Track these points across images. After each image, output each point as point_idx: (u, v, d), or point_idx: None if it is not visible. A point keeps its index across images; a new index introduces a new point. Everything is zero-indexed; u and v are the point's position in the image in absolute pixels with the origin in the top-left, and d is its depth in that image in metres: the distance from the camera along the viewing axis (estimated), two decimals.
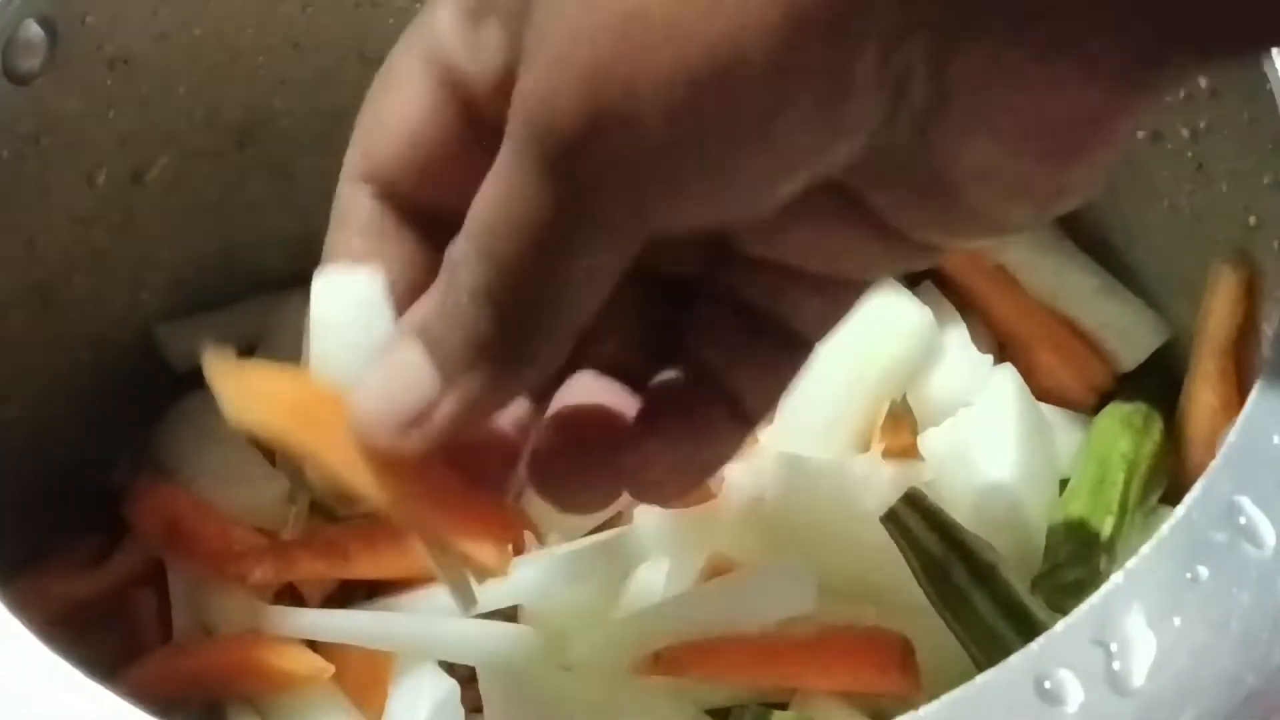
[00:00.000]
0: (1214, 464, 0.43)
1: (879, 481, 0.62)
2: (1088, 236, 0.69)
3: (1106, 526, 0.60)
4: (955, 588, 0.58)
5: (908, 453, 0.63)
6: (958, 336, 0.67)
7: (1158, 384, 0.66)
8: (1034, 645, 0.40)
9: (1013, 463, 0.62)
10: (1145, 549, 0.41)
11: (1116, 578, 0.41)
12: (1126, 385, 0.68)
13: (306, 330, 0.45)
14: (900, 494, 0.59)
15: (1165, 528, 0.42)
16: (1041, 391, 0.67)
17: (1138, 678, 0.39)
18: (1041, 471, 0.63)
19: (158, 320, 0.71)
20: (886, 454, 0.63)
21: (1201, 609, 0.40)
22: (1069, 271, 0.69)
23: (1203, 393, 0.60)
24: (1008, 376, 0.65)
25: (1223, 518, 0.42)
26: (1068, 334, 0.69)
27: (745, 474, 0.63)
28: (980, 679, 0.40)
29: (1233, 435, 0.43)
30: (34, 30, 0.59)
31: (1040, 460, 0.63)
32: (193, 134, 0.67)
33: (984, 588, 0.57)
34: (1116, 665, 0.40)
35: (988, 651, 0.57)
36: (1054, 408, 0.67)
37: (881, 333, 0.65)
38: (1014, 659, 0.40)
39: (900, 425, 0.64)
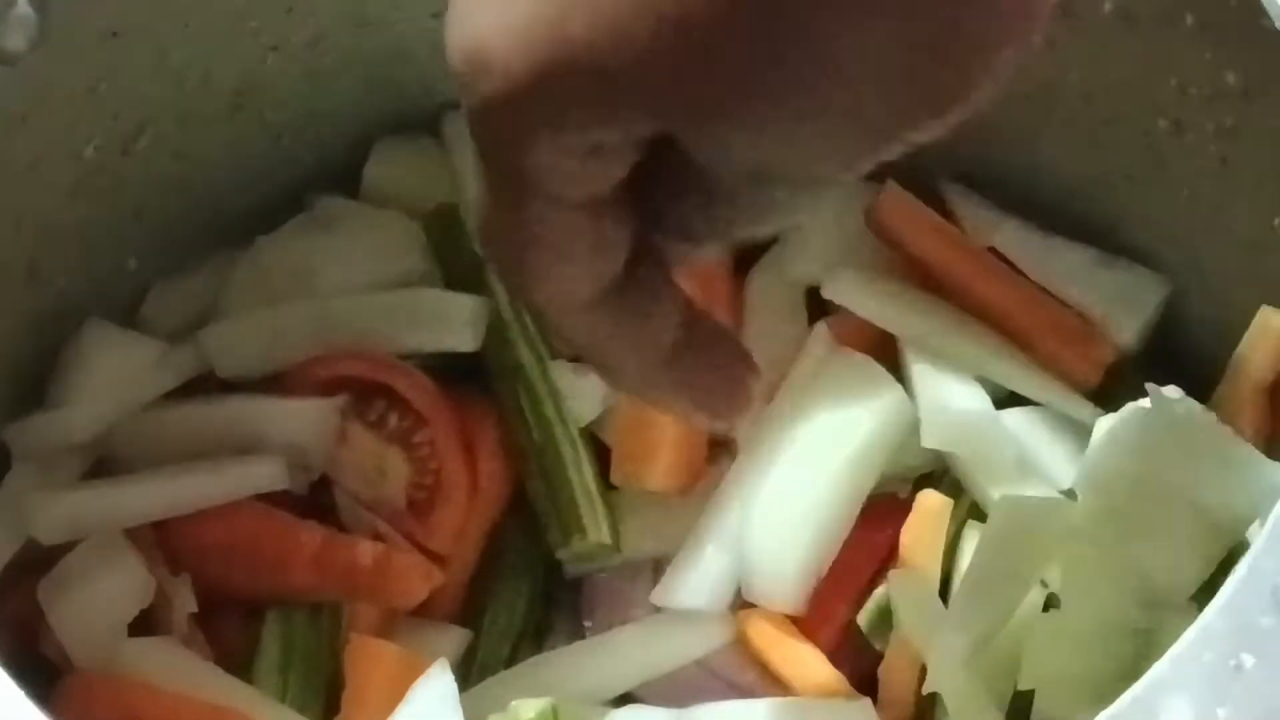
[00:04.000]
0: (1256, 545, 0.42)
1: None
2: (1090, 221, 0.68)
3: None
4: None
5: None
6: None
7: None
8: None
9: None
10: (1189, 634, 0.41)
11: (1161, 666, 0.40)
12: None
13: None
14: None
15: (1209, 612, 0.41)
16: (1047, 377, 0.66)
17: None
18: None
19: (145, 286, 0.69)
20: None
21: (1247, 699, 0.40)
22: (1059, 248, 0.69)
23: (1237, 423, 0.59)
24: None
25: (1268, 601, 0.41)
26: (1066, 314, 0.68)
27: None
28: None
29: (1275, 513, 0.42)
30: (23, 8, 0.57)
31: None
32: (186, 99, 0.65)
33: None
34: None
35: None
36: (1054, 407, 0.66)
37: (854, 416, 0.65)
38: None
39: None
